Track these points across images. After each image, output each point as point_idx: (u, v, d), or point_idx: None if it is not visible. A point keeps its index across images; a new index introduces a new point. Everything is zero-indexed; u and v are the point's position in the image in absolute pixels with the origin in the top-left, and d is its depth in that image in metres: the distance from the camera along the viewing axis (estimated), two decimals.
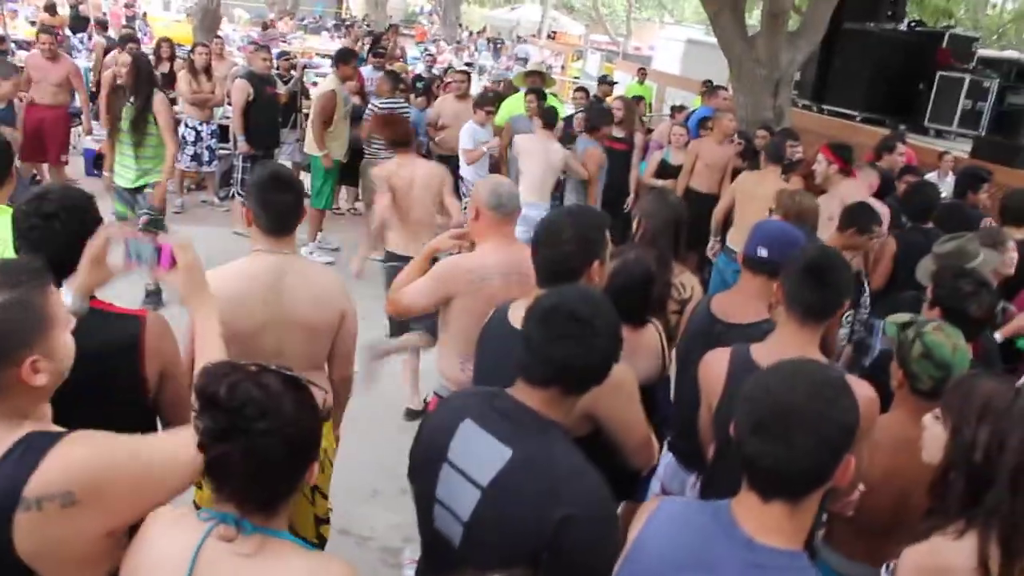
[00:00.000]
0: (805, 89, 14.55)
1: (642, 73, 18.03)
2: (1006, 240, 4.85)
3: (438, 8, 39.03)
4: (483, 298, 3.27)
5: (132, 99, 6.61)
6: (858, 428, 1.66)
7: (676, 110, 10.95)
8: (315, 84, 10.42)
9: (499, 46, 32.52)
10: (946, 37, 13.31)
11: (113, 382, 2.34)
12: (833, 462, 1.64)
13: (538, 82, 9.45)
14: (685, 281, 3.91)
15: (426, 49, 23.62)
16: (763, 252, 3.14)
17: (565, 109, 11.18)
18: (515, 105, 9.28)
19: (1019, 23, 29.65)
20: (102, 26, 14.16)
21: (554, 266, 2.63)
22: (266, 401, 1.65)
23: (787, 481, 1.65)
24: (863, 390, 2.53)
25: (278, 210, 2.95)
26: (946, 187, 8.31)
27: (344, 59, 8.73)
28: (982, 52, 14.84)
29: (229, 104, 9.25)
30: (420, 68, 16.48)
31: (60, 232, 2.37)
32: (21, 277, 1.79)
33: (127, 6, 19.74)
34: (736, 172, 7.73)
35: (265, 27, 20.76)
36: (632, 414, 2.64)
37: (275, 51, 11.11)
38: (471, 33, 38.19)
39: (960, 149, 10.81)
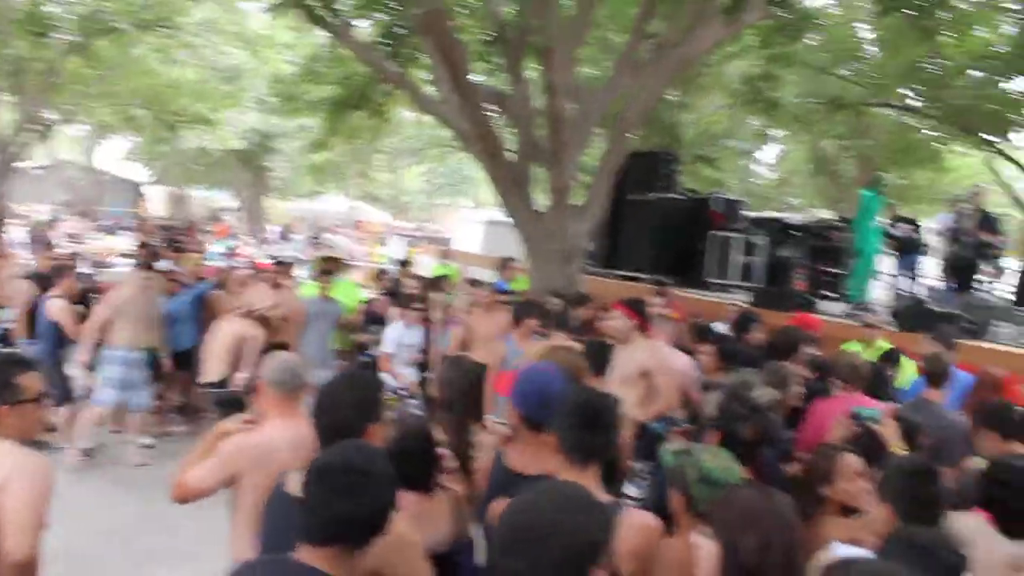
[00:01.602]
0: (598, 257, 15.47)
1: (445, 254, 18.62)
2: (789, 376, 5.24)
3: (243, 204, 39.23)
4: (273, 474, 3.23)
5: None
6: (606, 544, 1.75)
7: (472, 284, 11.33)
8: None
9: (314, 240, 32.84)
10: (716, 202, 14.53)
11: None
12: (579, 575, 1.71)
13: (333, 267, 9.71)
14: (484, 441, 4.01)
15: (230, 245, 23.56)
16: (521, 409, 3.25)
17: (365, 293, 11.44)
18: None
19: (781, 188, 32.76)
20: None
21: (333, 430, 2.67)
22: None
23: None
24: (641, 519, 2.65)
25: None
26: None
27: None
28: (750, 213, 16.26)
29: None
30: (219, 262, 16.38)
31: None
32: None
33: None
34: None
35: (35, 226, 20.17)
36: (417, 572, 2.65)
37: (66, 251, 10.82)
38: (266, 227, 38.48)
39: (742, 300, 11.64)
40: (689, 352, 6.83)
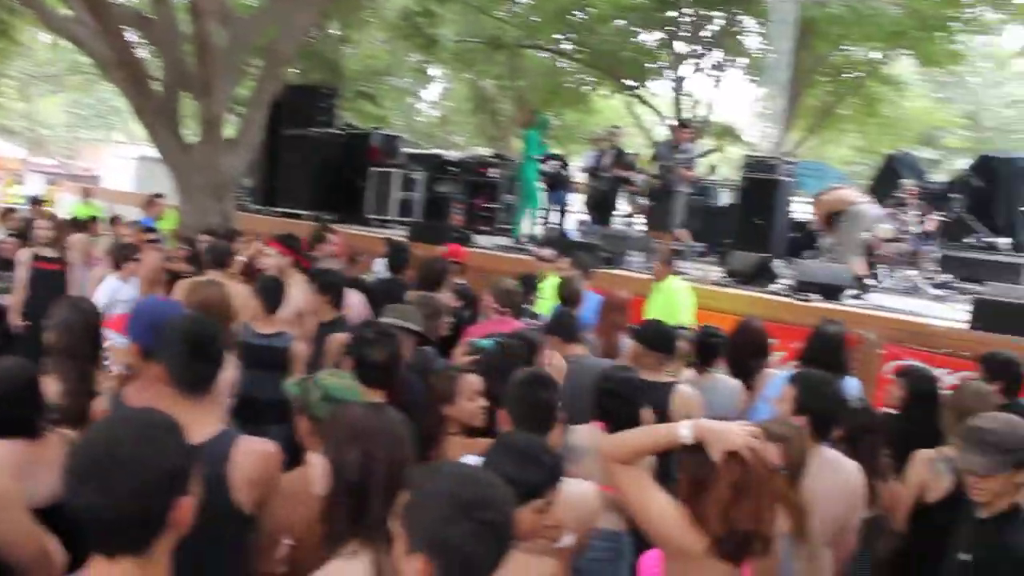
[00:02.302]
0: (256, 193, 15.02)
1: (87, 192, 17.23)
2: (437, 306, 5.33)
3: None
4: None
5: None
6: (187, 471, 1.66)
7: (113, 223, 10.56)
8: None
9: None
10: (375, 137, 14.53)
11: None
12: (161, 505, 1.60)
13: None
14: (104, 385, 3.73)
15: None
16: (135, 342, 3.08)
17: None
18: None
19: (444, 126, 33.54)
20: None
21: None
22: None
23: (119, 531, 1.58)
24: (256, 445, 2.59)
25: None
26: None
27: None
28: (411, 150, 16.47)
29: None
30: None
31: None
32: None
33: None
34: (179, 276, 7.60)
35: None
36: (16, 525, 2.42)
37: None
38: None
39: (401, 235, 11.77)
40: None
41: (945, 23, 19.17)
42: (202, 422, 2.52)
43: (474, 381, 3.55)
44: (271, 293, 5.36)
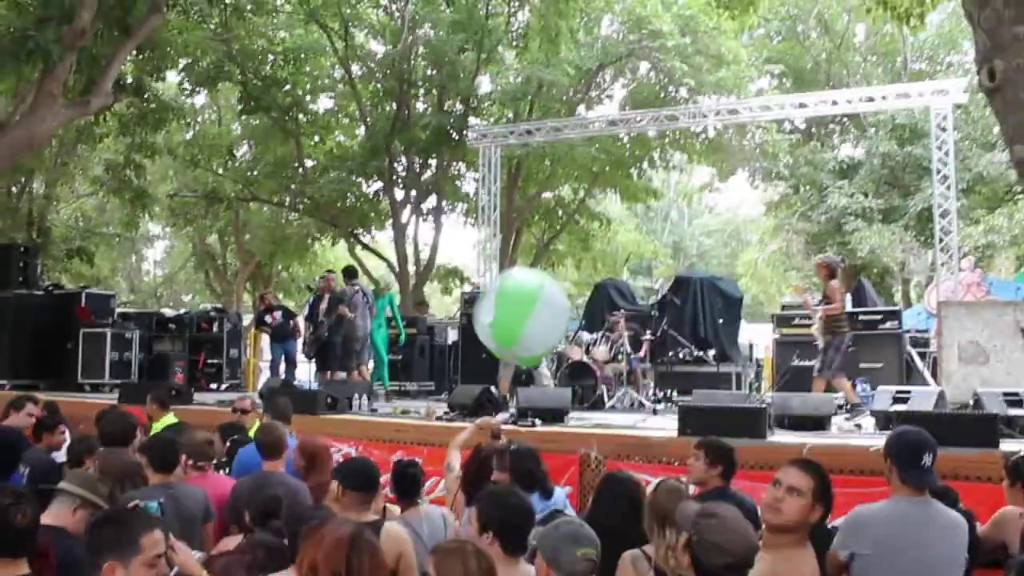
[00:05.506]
0: None
1: None
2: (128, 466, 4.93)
3: None
4: None
5: None
6: None
7: None
8: None
9: None
10: (84, 297, 13.70)
11: None
12: None
13: None
14: None
15: None
16: None
17: None
18: None
19: (168, 284, 32.38)
20: None
21: None
22: None
23: None
24: None
25: None
26: None
27: None
28: (127, 309, 15.70)
29: None
30: None
31: None
32: None
33: None
34: None
35: None
36: None
37: None
38: None
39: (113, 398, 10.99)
40: None
41: (637, 161, 21.00)
42: None
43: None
44: None
